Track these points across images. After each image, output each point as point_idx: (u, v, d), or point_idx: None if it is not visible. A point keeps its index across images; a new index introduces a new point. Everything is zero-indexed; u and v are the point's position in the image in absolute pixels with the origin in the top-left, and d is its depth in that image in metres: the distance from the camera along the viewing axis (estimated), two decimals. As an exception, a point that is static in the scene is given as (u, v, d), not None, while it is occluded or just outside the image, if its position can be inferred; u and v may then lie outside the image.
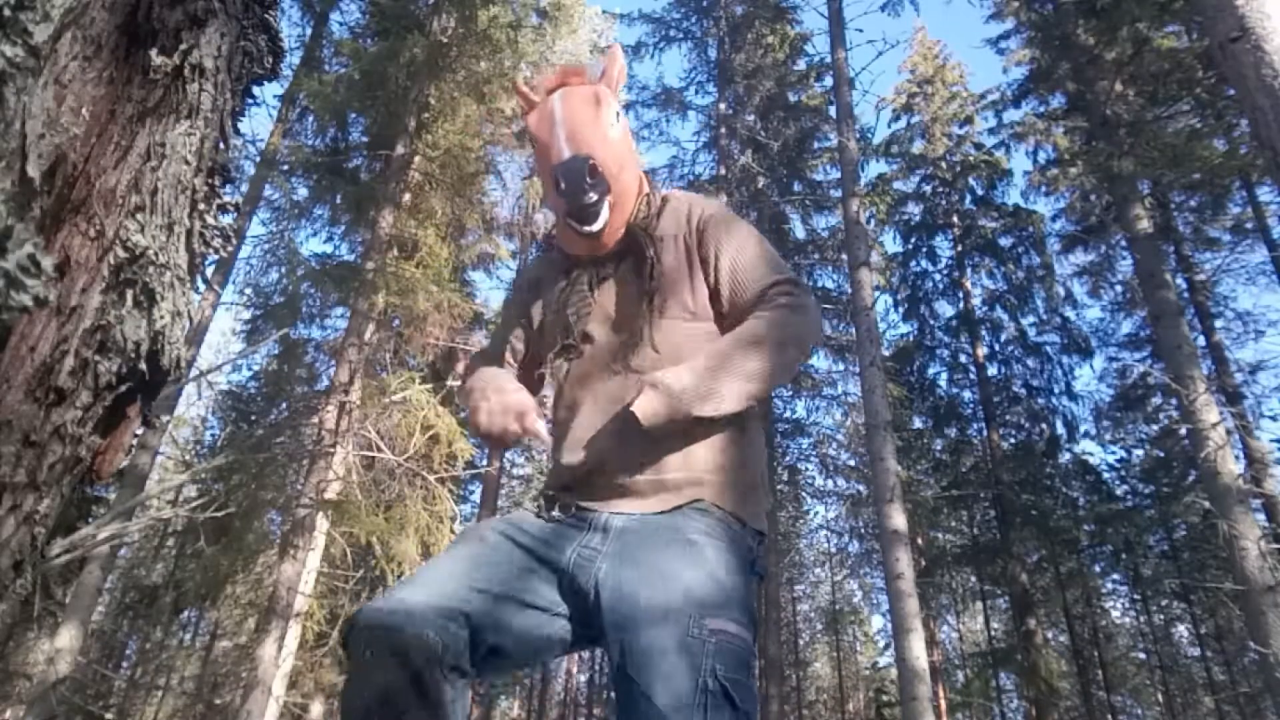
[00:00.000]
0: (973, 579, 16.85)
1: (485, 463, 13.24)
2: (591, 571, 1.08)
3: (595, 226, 1.20)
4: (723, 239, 1.28)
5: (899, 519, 7.21)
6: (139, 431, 1.07)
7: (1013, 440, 15.86)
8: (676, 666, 0.94)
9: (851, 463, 15.99)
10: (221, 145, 1.08)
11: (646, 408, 1.11)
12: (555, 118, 1.23)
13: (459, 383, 1.41)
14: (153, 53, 0.97)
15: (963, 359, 16.62)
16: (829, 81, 12.54)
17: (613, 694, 1.05)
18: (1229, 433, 8.49)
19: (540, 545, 1.14)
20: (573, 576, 1.10)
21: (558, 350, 1.26)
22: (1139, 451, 16.15)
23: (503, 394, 1.20)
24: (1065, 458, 15.75)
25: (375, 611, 1.03)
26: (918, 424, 16.47)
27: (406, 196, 8.52)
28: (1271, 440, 12.07)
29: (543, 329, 1.34)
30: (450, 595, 1.05)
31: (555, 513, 1.18)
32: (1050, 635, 16.45)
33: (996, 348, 16.38)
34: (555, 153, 1.20)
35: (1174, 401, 11.64)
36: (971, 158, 17.11)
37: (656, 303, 1.23)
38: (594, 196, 1.16)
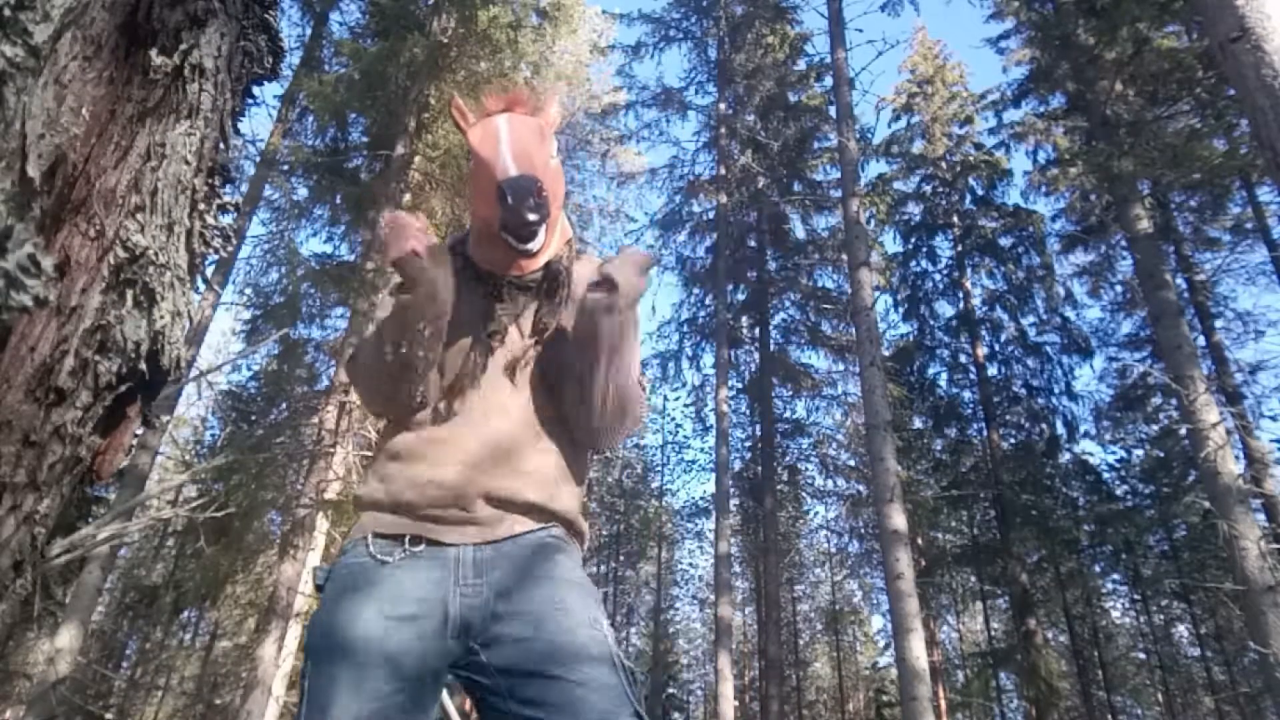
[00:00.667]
0: (973, 579, 16.86)
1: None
2: (480, 608, 1.11)
3: (532, 245, 1.22)
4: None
5: (899, 519, 7.21)
6: (139, 431, 1.07)
7: (1013, 440, 15.86)
8: (595, 654, 1.08)
9: (851, 463, 16.00)
10: (221, 145, 1.08)
11: (625, 282, 1.18)
12: (501, 136, 1.24)
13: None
14: (153, 53, 0.97)
15: (963, 359, 16.63)
16: (829, 81, 12.55)
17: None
18: (1229, 433, 8.49)
19: (417, 605, 1.10)
20: (463, 620, 1.11)
21: (461, 368, 1.24)
22: (1139, 451, 16.18)
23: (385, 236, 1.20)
24: (1065, 458, 15.76)
25: None
26: (918, 424, 16.47)
27: (406, 197, 8.53)
28: (1271, 440, 12.10)
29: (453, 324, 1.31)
30: None
31: (399, 551, 1.15)
32: (1050, 635, 16.45)
33: (996, 348, 16.38)
34: (500, 168, 1.21)
35: (1174, 401, 11.64)
36: (971, 158, 17.12)
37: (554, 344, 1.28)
38: (535, 217, 1.18)
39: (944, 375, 16.89)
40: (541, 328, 1.27)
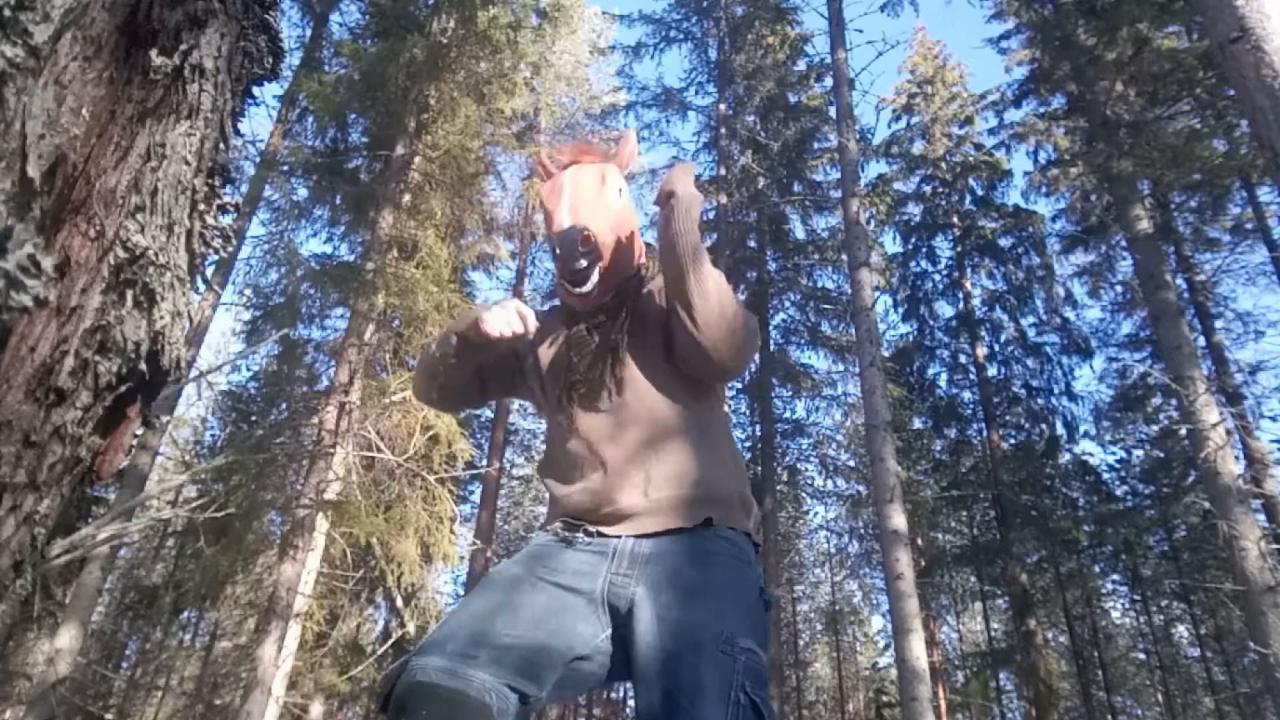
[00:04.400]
0: (973, 579, 16.85)
1: (485, 463, 13.24)
2: (626, 597, 1.16)
3: (584, 289, 1.34)
4: None
5: (899, 519, 7.21)
6: (139, 432, 1.07)
7: (1013, 440, 15.86)
8: (711, 681, 1.03)
9: (851, 463, 15.99)
10: (221, 146, 1.08)
11: (684, 191, 1.27)
12: (562, 191, 1.39)
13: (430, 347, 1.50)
14: (153, 53, 0.97)
15: (963, 359, 16.63)
16: (829, 82, 12.55)
17: (630, 701, 1.10)
18: (1229, 433, 8.48)
19: (572, 578, 1.20)
20: (608, 604, 1.18)
21: (563, 386, 1.38)
22: (1139, 452, 16.17)
23: (497, 305, 1.36)
24: (1065, 458, 15.76)
25: (433, 672, 1.06)
26: (918, 424, 16.47)
27: (406, 197, 8.52)
28: (1271, 440, 12.10)
29: (542, 371, 1.46)
30: (501, 657, 1.09)
31: (579, 535, 1.26)
32: (1050, 635, 16.44)
33: (996, 348, 16.38)
34: (556, 222, 1.35)
35: (1174, 402, 11.64)
36: (971, 158, 17.12)
37: (646, 344, 1.37)
38: (584, 263, 1.32)
39: (944, 375, 16.91)
40: (609, 347, 1.37)
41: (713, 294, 1.26)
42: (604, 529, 1.25)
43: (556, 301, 1.56)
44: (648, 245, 1.52)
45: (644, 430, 1.30)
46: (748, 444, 16.42)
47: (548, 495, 1.39)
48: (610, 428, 1.32)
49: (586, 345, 1.38)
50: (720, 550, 1.21)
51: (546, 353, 1.45)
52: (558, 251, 1.31)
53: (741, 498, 1.31)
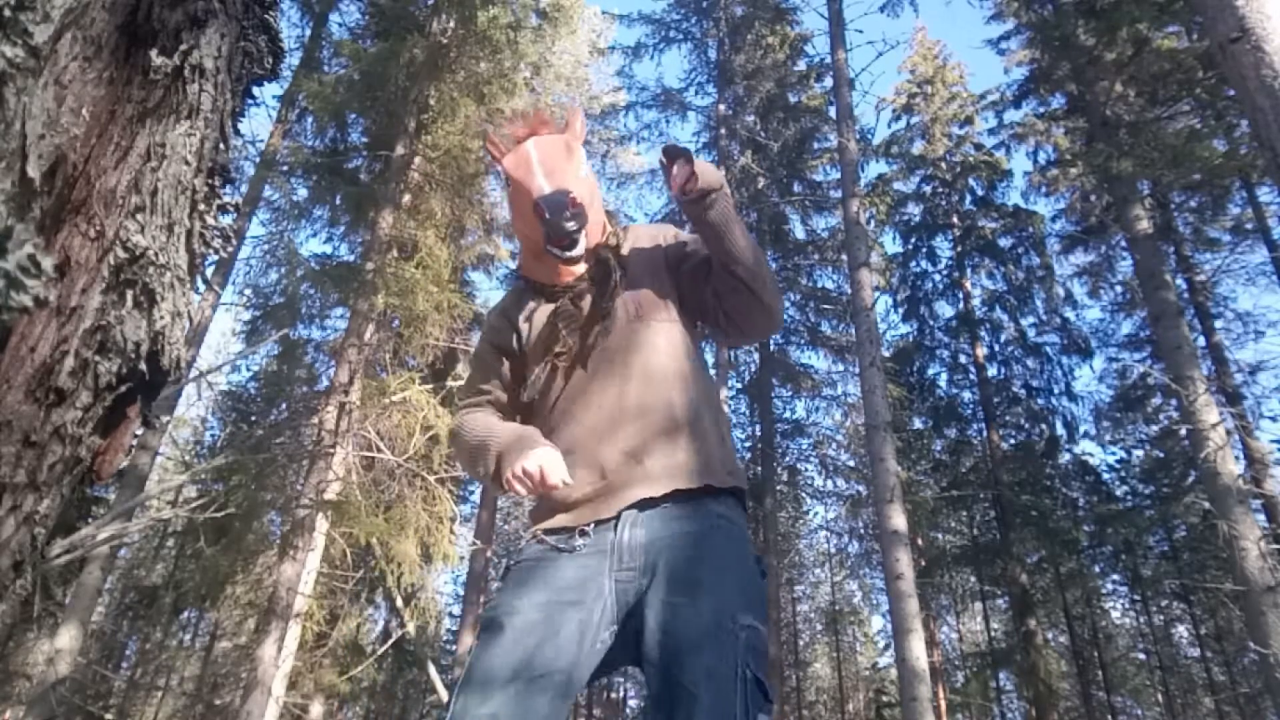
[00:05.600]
0: (972, 579, 16.85)
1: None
2: (634, 591, 1.18)
3: (576, 252, 1.33)
4: (688, 238, 1.50)
5: (899, 519, 7.21)
6: (139, 432, 1.07)
7: (1013, 440, 15.86)
8: (717, 664, 1.06)
9: (851, 463, 15.98)
10: (221, 146, 1.08)
11: (708, 172, 1.30)
12: (532, 159, 1.36)
13: (456, 430, 1.48)
14: (153, 53, 0.97)
15: (963, 359, 16.62)
16: (829, 82, 12.55)
17: (643, 691, 1.12)
18: (1229, 433, 8.48)
19: (578, 592, 1.18)
20: (618, 603, 1.18)
21: (549, 360, 1.36)
22: (1139, 452, 16.16)
23: (523, 448, 1.28)
24: (1065, 458, 15.75)
25: None
26: (918, 424, 16.46)
27: (406, 197, 8.52)
28: (1271, 440, 12.10)
29: (526, 349, 1.43)
30: (543, 701, 1.10)
31: (576, 540, 1.23)
32: (1050, 636, 16.44)
33: (996, 348, 16.38)
34: (535, 187, 1.33)
35: (1174, 402, 11.64)
36: (971, 158, 17.11)
37: (633, 309, 1.36)
38: (574, 225, 1.30)
39: (944, 375, 16.90)
40: (603, 313, 1.36)
41: (752, 248, 1.33)
42: (601, 514, 1.23)
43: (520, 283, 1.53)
44: (608, 213, 1.52)
45: (638, 398, 1.29)
46: (748, 444, 16.42)
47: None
48: (601, 398, 1.30)
49: (575, 318, 1.36)
50: (717, 527, 1.22)
51: (528, 331, 1.42)
52: (546, 216, 1.29)
53: (732, 460, 1.33)
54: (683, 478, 1.23)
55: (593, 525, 1.23)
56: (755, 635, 1.11)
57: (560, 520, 1.26)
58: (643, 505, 1.23)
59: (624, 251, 1.44)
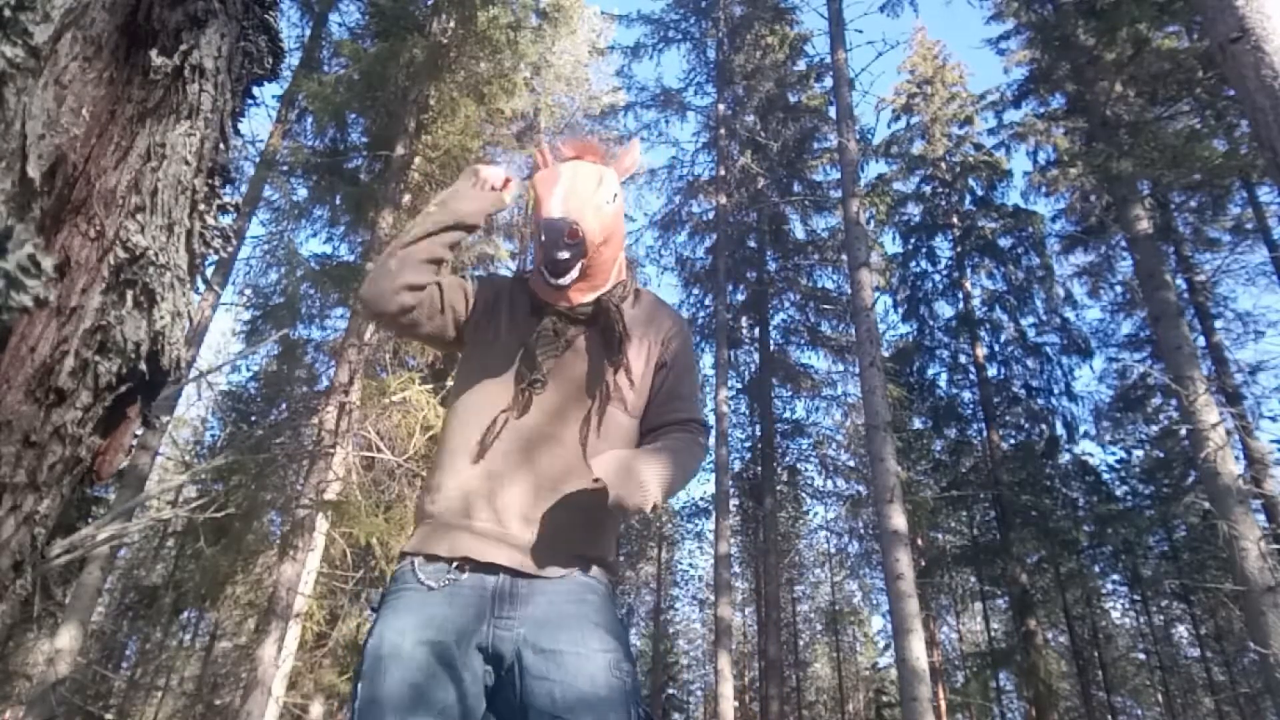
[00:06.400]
0: (972, 579, 16.85)
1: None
2: (511, 640, 1.18)
3: (563, 281, 1.32)
4: (682, 360, 1.47)
5: (899, 519, 7.21)
6: (139, 432, 1.06)
7: (1012, 441, 15.86)
8: (610, 707, 1.12)
9: (851, 463, 15.98)
10: (221, 145, 1.08)
11: (628, 497, 1.20)
12: (558, 181, 1.37)
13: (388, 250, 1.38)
14: (153, 53, 0.97)
15: (962, 359, 16.63)
16: (829, 82, 12.56)
17: None
18: (1229, 433, 8.48)
19: (457, 634, 1.18)
20: (494, 651, 1.19)
21: (520, 386, 1.34)
22: (1139, 452, 16.18)
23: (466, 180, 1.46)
24: (1065, 458, 15.76)
25: None
26: (918, 424, 16.46)
27: (406, 197, 8.52)
28: (1271, 440, 12.09)
29: (496, 342, 1.40)
30: None
31: (457, 575, 1.23)
32: (1050, 636, 16.44)
33: (996, 348, 16.38)
34: (546, 209, 1.34)
35: (1174, 402, 11.63)
36: (971, 158, 17.12)
37: (611, 383, 1.36)
38: (566, 255, 1.30)
39: (944, 376, 16.91)
40: (613, 364, 1.37)
41: (684, 476, 1.33)
42: (487, 557, 1.22)
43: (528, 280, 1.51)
44: (629, 261, 1.52)
45: (564, 472, 1.28)
46: (748, 444, 16.43)
47: (435, 475, 1.32)
48: (533, 446, 1.29)
49: (551, 344, 1.36)
50: (591, 589, 1.26)
51: (508, 322, 1.41)
52: (542, 238, 1.30)
53: (615, 551, 1.37)
54: (568, 564, 1.26)
55: (469, 567, 1.23)
56: (635, 679, 1.19)
57: (444, 549, 1.24)
58: (521, 575, 1.23)
59: (630, 312, 1.43)
